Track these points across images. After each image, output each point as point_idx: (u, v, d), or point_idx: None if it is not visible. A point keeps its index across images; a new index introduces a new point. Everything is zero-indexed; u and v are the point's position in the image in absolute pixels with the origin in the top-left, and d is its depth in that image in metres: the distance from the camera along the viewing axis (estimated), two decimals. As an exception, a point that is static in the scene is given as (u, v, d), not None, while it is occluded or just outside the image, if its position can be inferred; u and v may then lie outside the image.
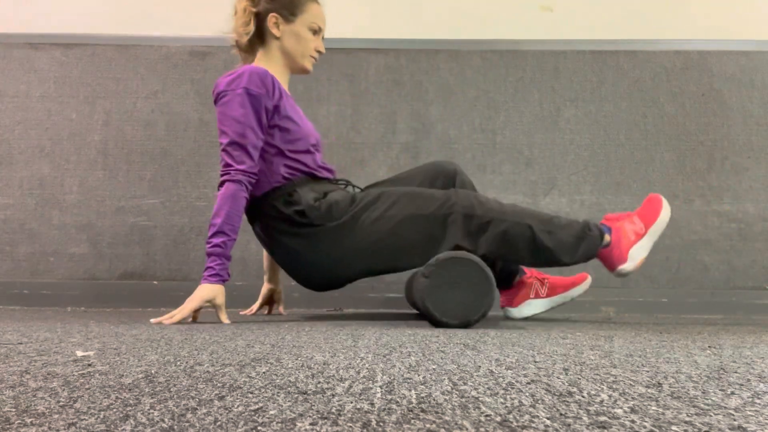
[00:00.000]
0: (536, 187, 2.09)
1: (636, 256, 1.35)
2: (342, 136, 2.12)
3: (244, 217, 1.34)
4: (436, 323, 1.16)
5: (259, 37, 1.42)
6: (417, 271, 1.29)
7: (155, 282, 2.04)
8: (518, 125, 2.12)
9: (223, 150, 1.28)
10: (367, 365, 0.58)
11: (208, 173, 2.09)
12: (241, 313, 1.64)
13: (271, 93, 1.31)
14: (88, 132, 2.11)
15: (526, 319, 1.52)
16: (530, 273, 1.53)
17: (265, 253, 1.63)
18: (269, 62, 1.43)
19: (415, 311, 1.94)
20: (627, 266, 1.34)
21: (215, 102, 1.33)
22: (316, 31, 1.43)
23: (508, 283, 1.53)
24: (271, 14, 1.39)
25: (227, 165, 1.27)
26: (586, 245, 1.31)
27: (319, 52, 1.46)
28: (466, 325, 1.15)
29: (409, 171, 1.51)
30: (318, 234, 1.29)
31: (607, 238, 1.35)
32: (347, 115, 2.13)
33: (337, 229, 1.28)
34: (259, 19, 1.40)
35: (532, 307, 1.52)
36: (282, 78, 1.45)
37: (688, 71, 2.14)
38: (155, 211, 2.07)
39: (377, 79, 2.14)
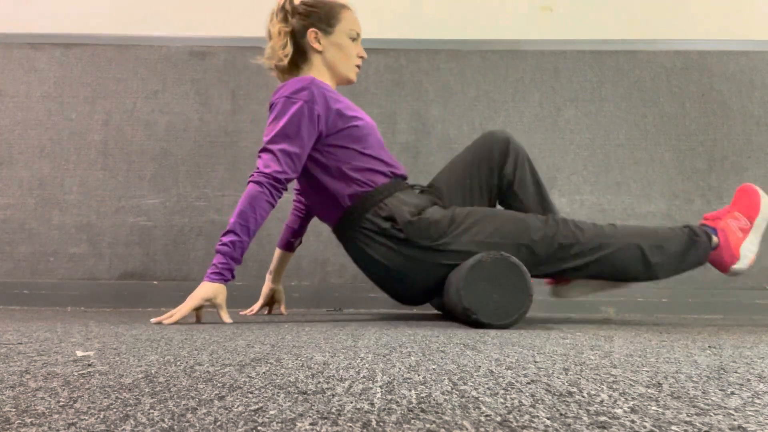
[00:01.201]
0: (536, 187, 2.09)
1: (747, 252, 1.31)
2: (342, 136, 2.11)
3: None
4: (469, 319, 1.14)
5: (300, 54, 1.41)
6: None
7: (155, 282, 2.04)
8: (518, 125, 2.12)
9: (260, 152, 1.28)
10: (367, 365, 0.58)
11: (208, 173, 2.09)
12: (241, 313, 1.64)
13: (320, 99, 1.29)
14: (88, 132, 2.11)
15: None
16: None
17: (276, 252, 1.62)
18: (318, 76, 1.41)
19: (415, 311, 1.94)
20: (740, 264, 1.31)
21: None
22: (355, 38, 1.43)
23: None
24: (310, 30, 1.38)
25: (256, 168, 1.27)
26: (697, 251, 1.29)
27: (361, 57, 1.45)
28: (506, 326, 1.14)
29: (464, 152, 1.46)
30: (415, 251, 1.27)
31: (714, 239, 1.32)
32: (347, 115, 2.12)
33: (439, 249, 1.26)
34: (296, 37, 1.39)
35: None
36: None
37: (688, 71, 2.14)
38: (155, 211, 2.07)
39: (377, 79, 2.14)
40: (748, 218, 1.33)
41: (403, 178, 1.42)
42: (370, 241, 1.31)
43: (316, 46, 1.39)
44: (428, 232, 1.27)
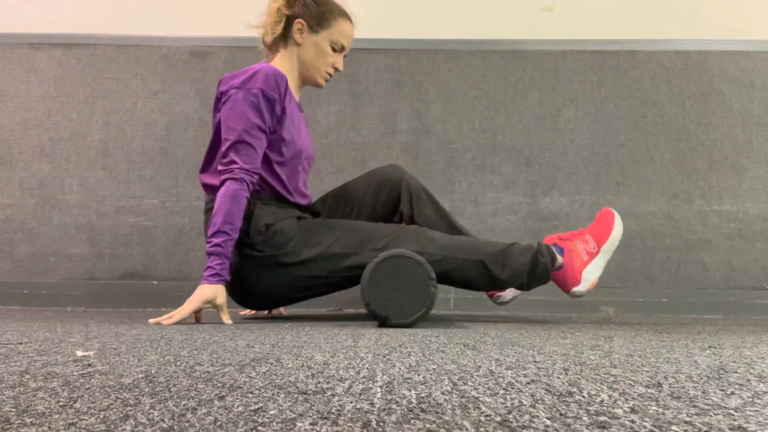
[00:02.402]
0: (536, 187, 2.09)
1: (589, 277, 1.33)
2: (342, 136, 2.12)
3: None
4: (378, 319, 1.15)
5: (283, 39, 1.41)
6: None
7: (155, 282, 2.04)
8: (518, 125, 2.12)
9: (231, 146, 1.26)
10: (367, 365, 0.58)
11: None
12: (240, 313, 1.64)
13: (282, 97, 1.30)
14: (88, 132, 2.11)
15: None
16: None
17: None
18: (286, 66, 1.42)
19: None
20: (580, 288, 1.32)
21: (222, 96, 1.31)
22: (338, 49, 1.42)
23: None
24: (298, 20, 1.38)
25: (232, 162, 1.25)
26: (539, 271, 1.31)
27: (336, 69, 1.44)
28: (408, 324, 1.14)
29: (356, 179, 1.51)
30: (258, 259, 1.28)
31: (559, 260, 1.33)
32: (347, 115, 2.13)
33: (278, 259, 1.28)
34: (289, 22, 1.39)
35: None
36: (295, 85, 1.44)
37: (688, 71, 2.14)
38: (155, 211, 2.07)
39: (377, 79, 2.14)
40: (596, 242, 1.35)
41: (297, 206, 1.41)
42: None
43: (297, 37, 1.39)
44: (273, 241, 1.28)
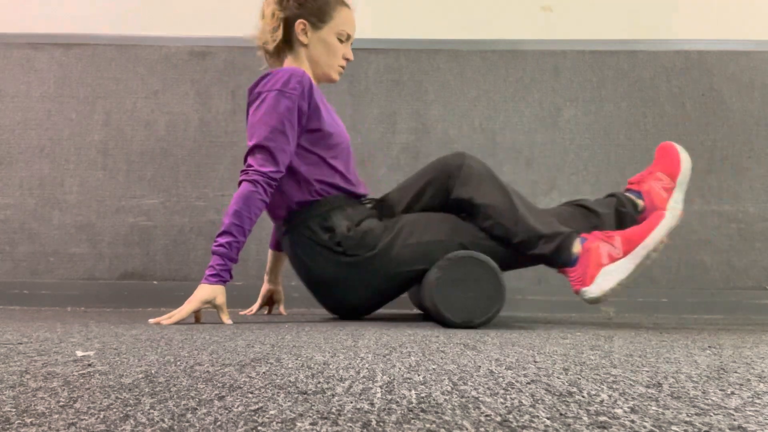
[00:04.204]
0: (536, 187, 2.09)
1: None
2: (342, 136, 2.12)
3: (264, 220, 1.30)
4: (441, 319, 1.16)
5: (287, 43, 1.39)
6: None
7: (155, 282, 2.04)
8: (518, 125, 2.12)
9: (249, 150, 1.26)
10: (367, 365, 0.58)
11: (208, 173, 2.09)
12: (240, 313, 1.64)
13: (307, 95, 1.28)
14: (88, 132, 2.11)
15: (612, 292, 1.18)
16: (592, 236, 1.24)
17: (269, 253, 1.62)
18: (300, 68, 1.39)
19: (417, 312, 1.94)
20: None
21: (249, 104, 1.32)
22: (344, 39, 1.40)
23: (567, 259, 1.23)
24: (299, 21, 1.36)
25: (249, 165, 1.25)
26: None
27: (347, 59, 1.42)
28: (468, 325, 1.14)
29: (417, 174, 1.42)
30: (353, 264, 1.27)
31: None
32: (347, 115, 2.12)
33: (373, 259, 1.27)
34: (288, 24, 1.37)
35: (612, 275, 1.18)
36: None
37: (688, 71, 2.14)
38: (155, 211, 2.07)
39: (377, 79, 2.14)
40: (670, 177, 1.32)
41: (360, 197, 1.40)
42: (308, 249, 1.31)
43: (302, 38, 1.37)
44: (364, 242, 1.27)
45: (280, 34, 1.37)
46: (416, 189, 1.37)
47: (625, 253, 1.18)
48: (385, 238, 1.28)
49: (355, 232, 1.28)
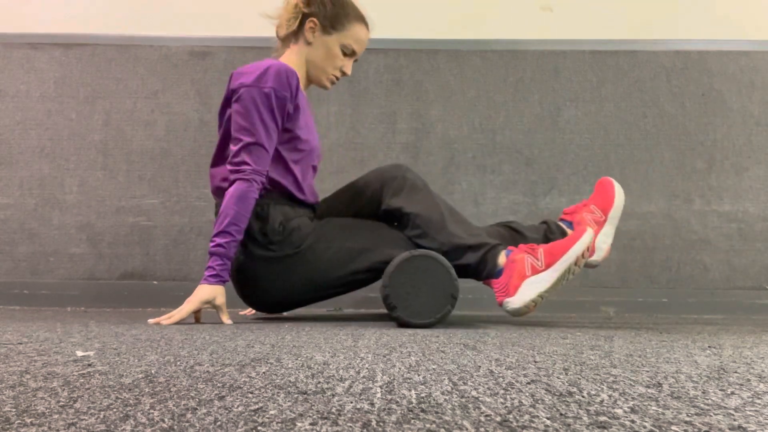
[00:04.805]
0: (536, 187, 2.09)
1: (602, 245, 1.30)
2: (342, 136, 2.12)
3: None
4: (409, 326, 1.15)
5: (295, 35, 1.40)
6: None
7: (155, 282, 2.04)
8: (518, 125, 2.12)
9: (243, 147, 1.24)
10: (367, 365, 0.58)
11: (208, 173, 2.09)
12: (240, 313, 1.64)
13: (293, 96, 1.29)
14: (88, 132, 2.11)
15: (533, 303, 1.20)
16: (516, 249, 1.25)
17: None
18: (295, 63, 1.40)
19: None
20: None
21: (234, 93, 1.28)
22: (348, 54, 1.40)
23: (492, 270, 1.25)
24: (311, 19, 1.36)
25: (243, 163, 1.24)
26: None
27: (344, 73, 1.42)
28: (438, 321, 1.15)
29: (358, 180, 1.43)
30: (273, 258, 1.27)
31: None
32: (347, 115, 2.12)
33: (293, 257, 1.27)
34: (305, 19, 1.38)
35: (534, 286, 1.19)
36: (302, 83, 1.42)
37: (688, 71, 2.14)
38: (155, 211, 2.07)
39: (377, 79, 2.14)
40: (602, 210, 1.34)
41: (307, 205, 1.40)
42: None
43: (308, 35, 1.38)
44: (290, 239, 1.28)
45: (295, 25, 1.38)
46: (350, 195, 1.40)
47: (548, 266, 1.19)
48: (310, 239, 1.28)
49: (284, 228, 1.28)
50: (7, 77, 2.12)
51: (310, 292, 1.32)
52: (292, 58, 1.40)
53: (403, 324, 1.16)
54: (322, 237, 1.29)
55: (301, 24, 1.38)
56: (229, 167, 1.26)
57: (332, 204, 1.44)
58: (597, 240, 1.32)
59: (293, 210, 1.34)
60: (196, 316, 1.23)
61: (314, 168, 1.43)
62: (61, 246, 2.05)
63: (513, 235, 1.38)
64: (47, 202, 2.07)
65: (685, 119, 2.12)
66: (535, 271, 1.19)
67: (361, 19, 1.40)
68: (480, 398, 0.42)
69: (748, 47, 2.14)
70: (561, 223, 1.40)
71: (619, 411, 0.38)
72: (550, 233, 1.37)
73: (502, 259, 1.24)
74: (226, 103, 1.33)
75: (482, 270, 1.25)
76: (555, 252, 1.19)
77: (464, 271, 1.27)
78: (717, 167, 2.09)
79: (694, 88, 2.13)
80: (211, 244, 1.20)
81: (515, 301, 1.20)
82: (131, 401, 0.41)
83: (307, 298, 1.34)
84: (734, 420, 0.36)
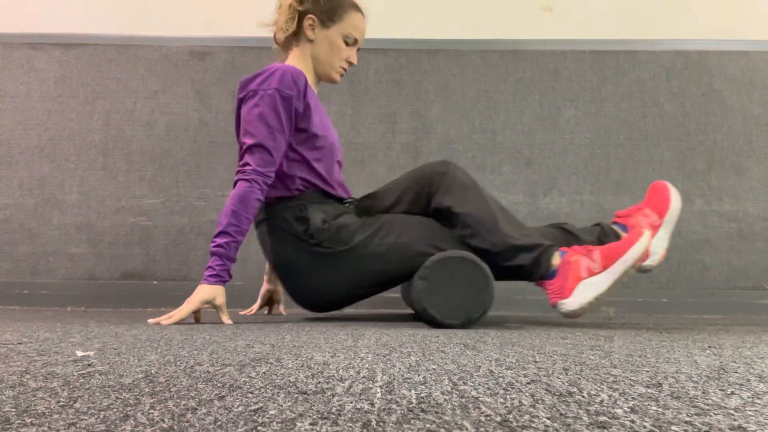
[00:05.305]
0: (536, 187, 2.09)
1: (657, 250, 1.26)
2: (342, 136, 2.11)
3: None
4: (438, 325, 1.16)
5: (296, 36, 1.40)
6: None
7: (155, 282, 2.04)
8: (518, 125, 2.12)
9: (247, 149, 1.26)
10: (367, 365, 0.58)
11: (208, 173, 2.09)
12: (240, 313, 1.64)
13: (302, 95, 1.29)
14: (88, 132, 2.11)
15: (589, 306, 1.18)
16: (571, 250, 1.23)
17: None
18: (301, 64, 1.41)
19: (412, 311, 1.94)
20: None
21: (242, 100, 1.31)
22: (351, 42, 1.40)
23: (546, 272, 1.23)
24: (309, 15, 1.37)
25: (246, 164, 1.25)
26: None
27: (350, 63, 1.43)
28: (467, 324, 1.14)
29: (401, 178, 1.42)
30: (325, 255, 1.28)
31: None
32: (347, 115, 2.12)
33: (346, 254, 1.27)
34: (300, 17, 1.38)
35: (591, 288, 1.18)
36: (312, 82, 1.42)
37: (688, 71, 2.14)
38: (155, 211, 2.07)
39: (377, 79, 2.14)
40: (657, 214, 1.31)
41: (340, 199, 1.40)
42: (281, 239, 1.31)
43: (309, 33, 1.38)
44: (338, 236, 1.27)
45: (293, 25, 1.38)
46: (398, 192, 1.38)
47: (604, 268, 1.17)
48: (361, 235, 1.28)
49: (330, 226, 1.28)
50: (7, 77, 2.12)
51: (361, 289, 1.32)
52: (299, 60, 1.41)
53: (435, 324, 1.15)
54: (375, 233, 1.28)
55: (299, 24, 1.39)
56: (237, 170, 1.28)
57: (379, 201, 1.41)
58: (652, 244, 1.28)
59: (331, 206, 1.34)
60: (196, 316, 1.23)
61: (339, 163, 1.43)
62: (61, 246, 2.05)
63: (566, 236, 1.34)
64: (47, 202, 2.07)
65: (685, 119, 2.12)
66: (591, 273, 1.17)
67: (356, 6, 1.41)
68: (480, 398, 0.42)
69: (748, 47, 2.14)
70: (615, 227, 1.36)
71: (619, 411, 0.38)
72: (604, 236, 1.33)
73: (556, 260, 1.22)
74: (237, 112, 1.34)
75: (536, 271, 1.23)
76: (612, 254, 1.17)
77: (517, 272, 1.25)
78: (717, 167, 2.09)
79: (694, 88, 2.13)
80: (212, 244, 1.21)
81: (571, 303, 1.17)
82: (131, 401, 0.41)
83: (358, 294, 1.34)
84: (734, 420, 0.36)
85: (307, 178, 1.33)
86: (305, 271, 1.30)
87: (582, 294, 1.17)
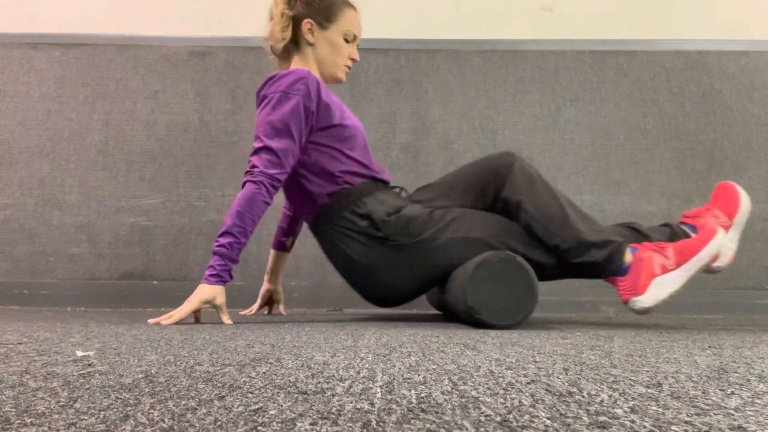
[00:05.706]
0: (536, 187, 2.09)
1: (727, 251, 1.23)
2: (342, 136, 2.12)
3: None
4: (483, 325, 1.13)
5: (294, 42, 1.40)
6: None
7: (155, 282, 2.04)
8: (518, 125, 2.12)
9: (254, 152, 1.26)
10: (367, 365, 0.58)
11: (208, 173, 2.09)
12: (240, 313, 1.64)
13: (314, 95, 1.29)
14: (88, 132, 2.11)
15: (664, 303, 1.17)
16: (643, 247, 1.22)
17: (271, 253, 1.62)
18: (306, 68, 1.40)
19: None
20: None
21: (257, 105, 1.32)
22: (350, 39, 1.41)
23: (618, 268, 1.22)
24: (306, 20, 1.37)
25: (253, 166, 1.25)
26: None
27: (353, 60, 1.43)
28: (490, 325, 1.12)
29: (463, 170, 1.40)
30: (395, 248, 1.27)
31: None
32: (347, 115, 2.12)
33: (416, 247, 1.26)
34: (296, 23, 1.38)
35: (665, 285, 1.17)
36: None
37: (688, 71, 2.14)
38: (155, 211, 2.07)
39: (377, 79, 2.14)
40: (727, 215, 1.30)
41: (385, 183, 1.40)
42: (346, 239, 1.30)
43: (308, 37, 1.38)
44: (407, 229, 1.26)
45: (289, 33, 1.38)
46: (464, 185, 1.36)
47: (678, 265, 1.16)
48: (432, 228, 1.26)
49: (397, 219, 1.27)
50: (7, 77, 2.12)
51: (431, 281, 1.32)
52: (302, 65, 1.40)
53: (481, 325, 1.14)
54: (447, 227, 1.27)
55: (294, 31, 1.38)
56: (245, 171, 1.28)
57: (443, 193, 1.38)
58: (723, 246, 1.25)
59: (387, 195, 1.34)
60: (196, 316, 1.23)
61: (371, 149, 1.42)
62: (61, 246, 2.05)
63: (635, 235, 1.31)
64: (47, 202, 2.07)
65: (685, 119, 2.12)
66: (665, 270, 1.17)
67: (348, 3, 1.41)
68: (480, 398, 0.42)
69: (748, 47, 2.14)
70: (684, 227, 1.34)
71: (619, 411, 0.38)
72: (674, 236, 1.30)
73: (628, 256, 1.21)
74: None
75: (608, 268, 1.21)
76: (686, 251, 1.16)
77: (588, 269, 1.24)
78: (717, 167, 2.09)
79: (694, 88, 2.13)
80: (215, 244, 1.21)
81: (645, 300, 1.16)
82: (131, 401, 0.41)
83: (427, 286, 1.33)
84: (734, 420, 0.36)
85: (349, 170, 1.33)
86: (376, 267, 1.29)
87: (656, 291, 1.16)
